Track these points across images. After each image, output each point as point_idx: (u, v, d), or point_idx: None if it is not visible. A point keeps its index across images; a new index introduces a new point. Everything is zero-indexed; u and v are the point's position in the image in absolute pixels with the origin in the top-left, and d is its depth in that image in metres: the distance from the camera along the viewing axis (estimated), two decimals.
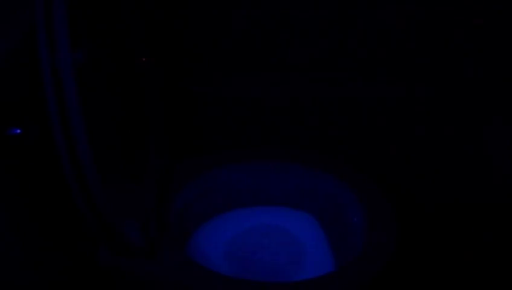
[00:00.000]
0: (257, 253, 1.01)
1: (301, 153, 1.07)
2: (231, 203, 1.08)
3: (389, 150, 1.23)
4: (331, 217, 1.03)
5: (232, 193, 1.07)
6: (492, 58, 1.09)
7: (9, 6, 0.76)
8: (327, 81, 1.16)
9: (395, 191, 1.28)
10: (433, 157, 1.22)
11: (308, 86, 1.16)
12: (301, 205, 1.08)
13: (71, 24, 0.62)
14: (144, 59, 0.95)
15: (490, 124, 1.15)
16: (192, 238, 1.02)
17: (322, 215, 1.05)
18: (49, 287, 0.81)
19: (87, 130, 0.64)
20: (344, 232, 0.98)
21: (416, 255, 1.24)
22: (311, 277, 0.84)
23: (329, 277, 0.83)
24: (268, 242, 1.03)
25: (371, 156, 1.24)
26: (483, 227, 1.24)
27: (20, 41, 0.68)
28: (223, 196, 1.07)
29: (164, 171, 1.01)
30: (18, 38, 0.68)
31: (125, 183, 0.83)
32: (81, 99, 0.63)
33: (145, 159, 0.94)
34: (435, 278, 1.20)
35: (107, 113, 0.79)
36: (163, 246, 0.86)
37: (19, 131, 0.67)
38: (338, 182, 1.01)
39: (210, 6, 1.07)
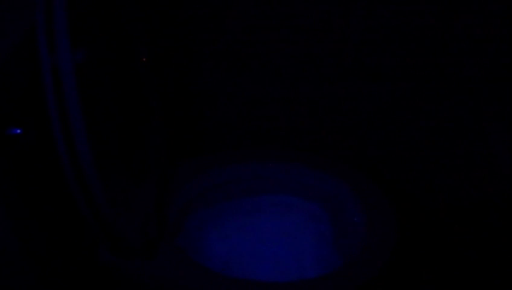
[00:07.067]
0: (258, 253, 1.01)
1: (301, 153, 1.07)
2: (231, 204, 1.08)
3: (389, 150, 1.23)
4: (331, 216, 1.03)
5: (232, 193, 1.07)
6: (492, 57, 1.09)
7: (9, 6, 0.76)
8: (328, 81, 1.16)
9: (395, 191, 1.28)
10: (433, 157, 1.22)
11: (309, 85, 1.16)
12: (301, 205, 1.08)
13: (71, 24, 0.62)
14: (144, 59, 0.95)
15: (491, 124, 1.15)
16: (192, 238, 1.02)
17: (322, 215, 1.05)
18: (49, 287, 0.81)
19: (87, 130, 0.64)
20: (344, 232, 0.98)
21: (416, 255, 1.24)
22: (311, 277, 0.84)
23: (329, 276, 0.83)
24: (268, 242, 1.03)
25: (371, 156, 1.24)
26: (483, 227, 1.24)
27: (20, 41, 0.68)
28: (222, 196, 1.07)
29: (164, 171, 1.01)
30: (18, 38, 0.68)
31: (125, 184, 0.83)
32: (81, 99, 0.63)
33: (145, 159, 0.94)
34: (435, 278, 1.20)
35: (107, 113, 0.79)
36: (163, 246, 0.86)
37: (18, 131, 0.67)
38: (338, 182, 1.01)
39: (210, 5, 1.07)
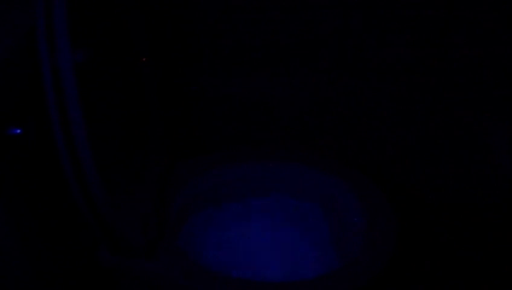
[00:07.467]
0: (257, 253, 1.01)
1: (301, 153, 1.07)
2: (231, 203, 1.08)
3: (389, 150, 1.23)
4: (331, 216, 1.03)
5: (232, 193, 1.07)
6: (493, 57, 1.09)
7: (9, 6, 0.76)
8: (328, 81, 1.16)
9: (395, 191, 1.28)
10: (433, 157, 1.22)
11: (309, 85, 1.16)
12: (301, 205, 1.08)
13: (71, 24, 0.62)
14: (144, 59, 0.95)
15: (491, 124, 1.15)
16: (191, 238, 1.02)
17: (322, 215, 1.05)
18: (49, 287, 0.81)
19: (87, 130, 0.64)
20: (344, 232, 0.98)
21: (416, 255, 1.24)
22: (310, 277, 0.84)
23: (329, 276, 0.83)
24: (269, 242, 1.03)
25: (371, 156, 1.24)
26: (483, 227, 1.24)
27: (20, 41, 0.68)
28: (222, 196, 1.07)
29: (164, 171, 1.01)
30: (18, 38, 0.68)
31: (125, 183, 0.83)
32: (81, 99, 0.63)
33: (145, 159, 0.94)
34: (435, 278, 1.20)
35: (107, 113, 0.79)
36: (163, 246, 0.86)
37: (19, 131, 0.67)
38: (338, 182, 1.01)
39: (210, 6, 1.07)
